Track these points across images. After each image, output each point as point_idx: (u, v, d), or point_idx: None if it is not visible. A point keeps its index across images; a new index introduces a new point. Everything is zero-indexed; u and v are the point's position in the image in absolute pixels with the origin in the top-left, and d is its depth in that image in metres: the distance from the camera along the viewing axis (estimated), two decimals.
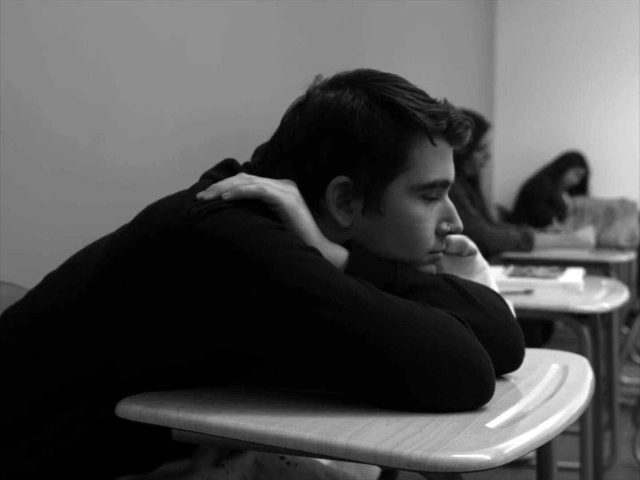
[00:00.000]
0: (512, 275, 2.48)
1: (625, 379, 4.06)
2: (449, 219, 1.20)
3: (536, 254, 3.50)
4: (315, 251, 1.09)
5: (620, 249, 3.82)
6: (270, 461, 1.30)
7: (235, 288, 1.03)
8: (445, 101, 1.18)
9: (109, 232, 1.23)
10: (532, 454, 1.21)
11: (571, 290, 2.33)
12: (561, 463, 2.05)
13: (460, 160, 3.20)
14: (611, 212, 3.91)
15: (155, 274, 1.06)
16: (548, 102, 5.84)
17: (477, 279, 1.36)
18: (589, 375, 1.30)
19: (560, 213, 4.76)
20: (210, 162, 1.24)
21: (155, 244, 1.07)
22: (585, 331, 2.26)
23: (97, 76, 2.11)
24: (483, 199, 3.87)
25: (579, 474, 2.08)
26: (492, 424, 0.99)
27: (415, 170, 1.15)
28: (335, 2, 3.41)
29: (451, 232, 1.21)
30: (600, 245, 3.83)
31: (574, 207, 4.06)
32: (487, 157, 3.79)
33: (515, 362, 1.21)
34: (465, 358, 1.03)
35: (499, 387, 1.09)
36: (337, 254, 1.15)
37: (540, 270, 2.55)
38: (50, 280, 1.25)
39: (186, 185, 1.17)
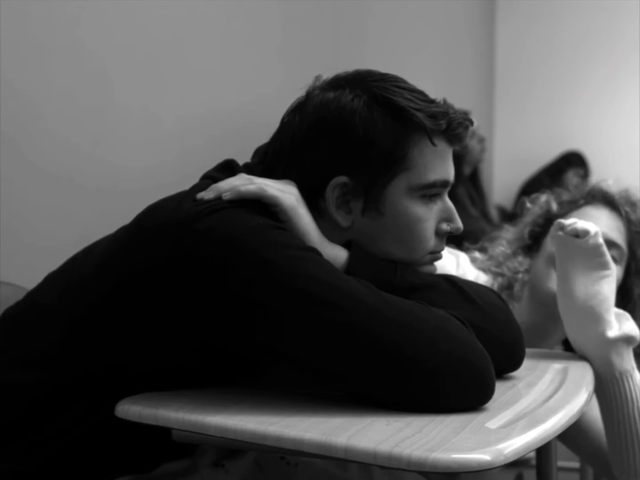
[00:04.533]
0: None
1: None
2: (448, 219, 1.20)
3: None
4: (315, 251, 1.09)
5: None
6: (270, 461, 1.30)
7: (235, 288, 1.03)
8: (445, 101, 1.18)
9: (109, 233, 1.23)
10: (532, 454, 1.21)
11: None
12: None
13: (459, 159, 3.20)
14: None
15: (155, 274, 1.06)
16: (548, 102, 5.84)
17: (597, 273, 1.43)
18: (589, 375, 1.30)
19: None
20: (210, 163, 1.24)
21: (155, 244, 1.07)
22: None
23: (96, 77, 2.12)
24: (484, 198, 3.86)
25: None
26: (492, 424, 0.99)
27: (415, 170, 1.15)
28: (335, 2, 3.41)
29: (451, 233, 1.21)
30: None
31: None
32: (482, 140, 3.76)
33: (515, 362, 1.21)
34: (465, 358, 1.03)
35: (499, 387, 1.09)
36: (337, 254, 1.15)
37: None
38: (50, 280, 1.25)
39: (186, 187, 1.17)
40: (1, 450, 1.12)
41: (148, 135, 2.32)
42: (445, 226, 1.20)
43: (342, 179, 1.15)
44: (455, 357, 1.03)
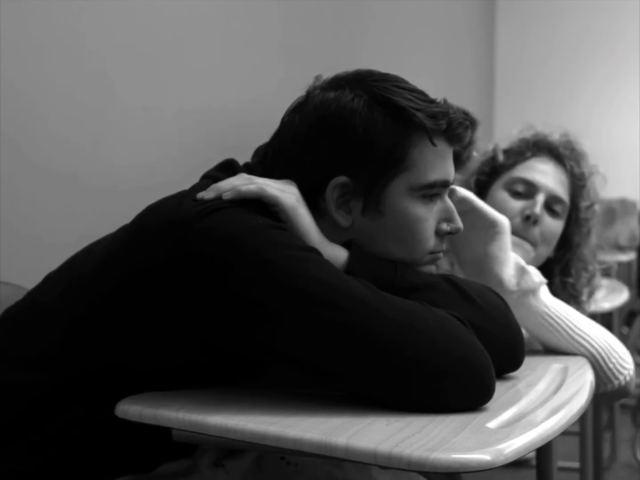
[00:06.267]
0: None
1: None
2: (449, 219, 1.20)
3: None
4: (315, 251, 1.09)
5: (620, 249, 3.82)
6: (270, 461, 1.30)
7: (235, 288, 1.03)
8: (445, 101, 1.18)
9: (108, 233, 1.23)
10: (532, 454, 1.21)
11: None
12: (561, 463, 2.05)
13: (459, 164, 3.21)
14: (611, 212, 3.91)
15: (155, 274, 1.06)
16: (548, 102, 5.84)
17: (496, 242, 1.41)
18: (589, 375, 1.30)
19: None
20: (210, 163, 1.24)
21: (156, 244, 1.07)
22: None
23: (96, 77, 2.11)
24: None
25: (579, 474, 2.08)
26: (492, 424, 0.99)
27: (415, 170, 1.15)
28: (335, 2, 3.41)
29: (451, 232, 1.21)
30: (600, 245, 3.82)
31: None
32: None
33: (515, 362, 1.21)
34: (466, 358, 1.03)
35: (499, 387, 1.09)
36: (337, 254, 1.15)
37: None
38: (50, 280, 1.25)
39: (186, 187, 1.17)
40: (1, 450, 1.12)
41: (148, 134, 2.32)
42: (445, 226, 1.20)
43: (342, 179, 1.15)
44: (455, 357, 1.03)
